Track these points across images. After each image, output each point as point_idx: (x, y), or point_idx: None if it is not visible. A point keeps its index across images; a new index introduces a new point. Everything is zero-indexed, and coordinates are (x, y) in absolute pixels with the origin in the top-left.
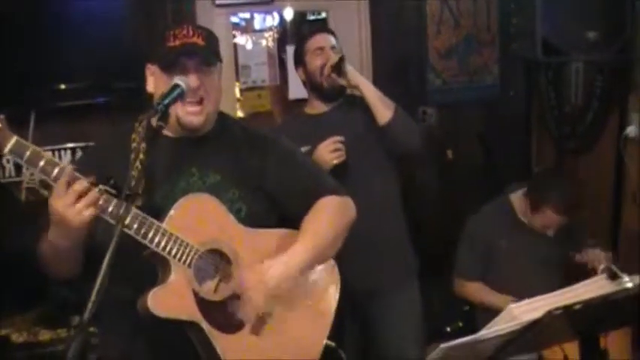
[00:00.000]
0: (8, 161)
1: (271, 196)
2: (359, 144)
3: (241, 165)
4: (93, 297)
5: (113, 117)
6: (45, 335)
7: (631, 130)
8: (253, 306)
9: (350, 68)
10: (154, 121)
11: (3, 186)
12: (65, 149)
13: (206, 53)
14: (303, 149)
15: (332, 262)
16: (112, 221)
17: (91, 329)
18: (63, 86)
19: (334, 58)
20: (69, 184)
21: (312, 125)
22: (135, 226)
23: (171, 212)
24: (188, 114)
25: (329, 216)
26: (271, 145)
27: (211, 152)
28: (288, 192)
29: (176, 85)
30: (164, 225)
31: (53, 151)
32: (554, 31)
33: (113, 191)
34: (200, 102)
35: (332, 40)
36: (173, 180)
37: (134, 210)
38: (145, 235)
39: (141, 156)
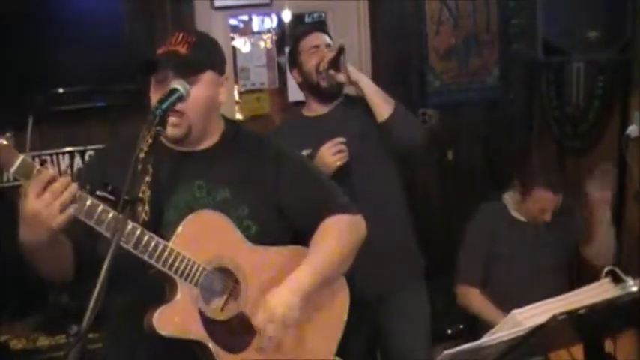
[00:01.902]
0: None
1: (282, 210)
2: (361, 145)
3: (252, 179)
4: (91, 305)
5: (112, 121)
6: (44, 341)
7: (632, 130)
8: (268, 338)
9: (348, 63)
10: (152, 127)
11: (2, 191)
12: (63, 153)
13: (181, 63)
14: (305, 152)
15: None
16: (107, 234)
17: (90, 335)
18: (61, 90)
19: (331, 53)
20: (48, 183)
21: (312, 128)
22: (141, 244)
23: (179, 229)
24: (168, 124)
25: (337, 236)
26: (285, 158)
27: (220, 166)
28: (299, 206)
29: (174, 89)
30: (170, 243)
31: (51, 155)
32: (555, 31)
33: (112, 198)
34: (180, 114)
35: (327, 39)
36: (178, 193)
37: (139, 228)
38: (151, 254)
39: (139, 164)
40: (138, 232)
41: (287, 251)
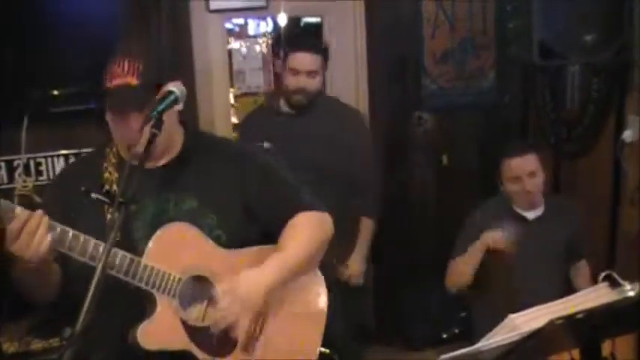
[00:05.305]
0: (1, 168)
1: (250, 211)
2: (320, 157)
3: (218, 185)
4: (85, 308)
5: (107, 123)
6: (37, 345)
7: (627, 135)
8: (218, 309)
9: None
10: (147, 130)
11: None
12: (58, 156)
13: (136, 96)
14: (266, 145)
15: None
16: (92, 263)
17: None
18: (56, 92)
19: None
20: (23, 225)
21: (277, 123)
22: (115, 264)
23: (150, 245)
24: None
25: (306, 233)
26: (249, 160)
27: (185, 175)
28: (267, 205)
29: (170, 92)
30: (144, 259)
31: (46, 157)
32: (551, 35)
33: (106, 200)
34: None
35: (313, 62)
36: (146, 207)
37: (113, 248)
38: (126, 273)
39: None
40: (112, 252)
41: (257, 251)
